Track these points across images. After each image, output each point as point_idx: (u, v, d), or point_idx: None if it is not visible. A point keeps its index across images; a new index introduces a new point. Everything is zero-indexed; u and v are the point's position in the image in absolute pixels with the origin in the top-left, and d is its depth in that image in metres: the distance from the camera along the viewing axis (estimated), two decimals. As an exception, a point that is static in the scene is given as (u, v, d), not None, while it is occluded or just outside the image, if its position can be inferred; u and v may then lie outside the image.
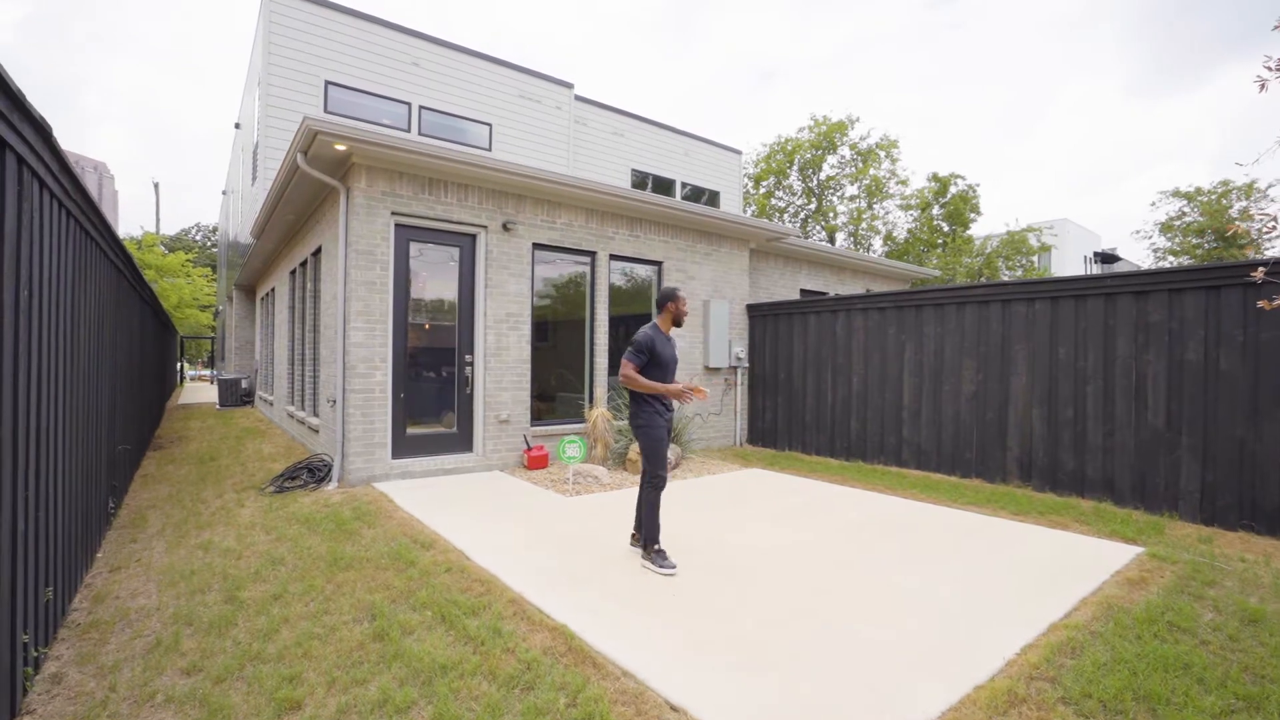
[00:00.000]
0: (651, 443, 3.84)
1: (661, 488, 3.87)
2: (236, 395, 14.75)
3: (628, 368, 3.84)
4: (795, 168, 29.07)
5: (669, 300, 4.03)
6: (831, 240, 28.48)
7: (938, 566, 3.83)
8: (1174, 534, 4.59)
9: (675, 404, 4.10)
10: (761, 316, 9.31)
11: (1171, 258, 26.52)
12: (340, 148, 5.68)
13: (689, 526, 4.70)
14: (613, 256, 7.99)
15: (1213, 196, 24.93)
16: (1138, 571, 3.66)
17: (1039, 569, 3.77)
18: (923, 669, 2.54)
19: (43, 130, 2.57)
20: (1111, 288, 5.69)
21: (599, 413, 7.09)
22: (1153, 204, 27.31)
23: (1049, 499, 5.70)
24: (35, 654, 2.60)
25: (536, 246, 7.30)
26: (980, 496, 5.78)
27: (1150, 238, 27.40)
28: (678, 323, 4.06)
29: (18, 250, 2.38)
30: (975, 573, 3.71)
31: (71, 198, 3.27)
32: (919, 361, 7.25)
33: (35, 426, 2.64)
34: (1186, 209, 25.89)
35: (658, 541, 3.81)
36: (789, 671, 2.52)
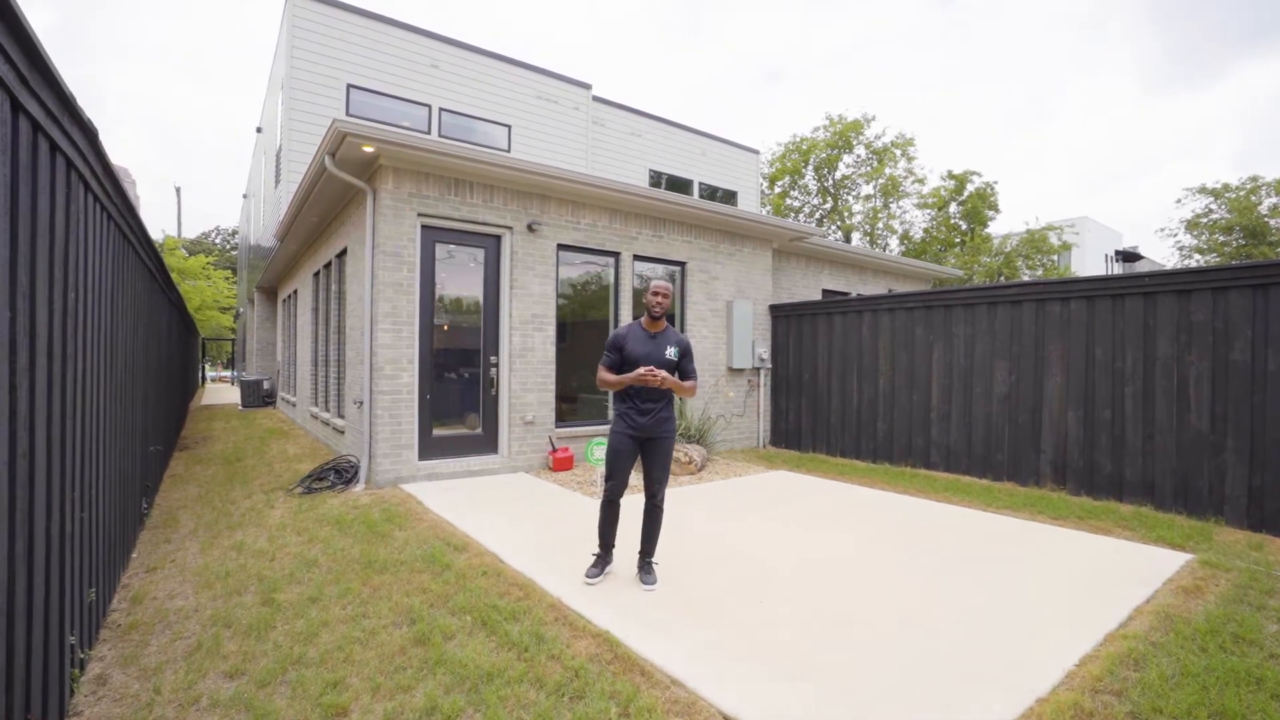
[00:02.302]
0: (609, 451, 3.61)
1: (609, 501, 3.57)
2: (258, 396, 14.91)
3: (599, 370, 3.64)
4: (810, 167, 28.88)
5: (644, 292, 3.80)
6: (847, 240, 28.27)
7: (981, 572, 3.74)
8: (1222, 540, 4.45)
9: (660, 408, 3.58)
10: (785, 317, 9.22)
11: (1198, 256, 26.00)
12: (368, 149, 5.69)
13: (721, 530, 4.65)
14: (636, 257, 7.95)
15: (1241, 193, 24.40)
16: (1191, 579, 3.54)
17: (1086, 576, 3.66)
18: (979, 680, 2.46)
19: (90, 133, 2.57)
20: (1151, 286, 5.54)
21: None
22: (1178, 201, 26.70)
23: (1086, 503, 5.56)
24: (81, 655, 2.60)
25: (561, 247, 7.28)
26: (1015, 500, 5.66)
27: (1175, 235, 26.90)
28: (652, 314, 3.61)
29: (65, 253, 2.38)
30: (1021, 579, 3.61)
31: (113, 200, 3.29)
32: (948, 362, 7.13)
33: (80, 427, 2.65)
34: (1214, 205, 25.36)
35: (600, 547, 3.65)
36: (841, 681, 2.45)
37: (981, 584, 3.54)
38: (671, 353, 3.58)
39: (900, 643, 2.78)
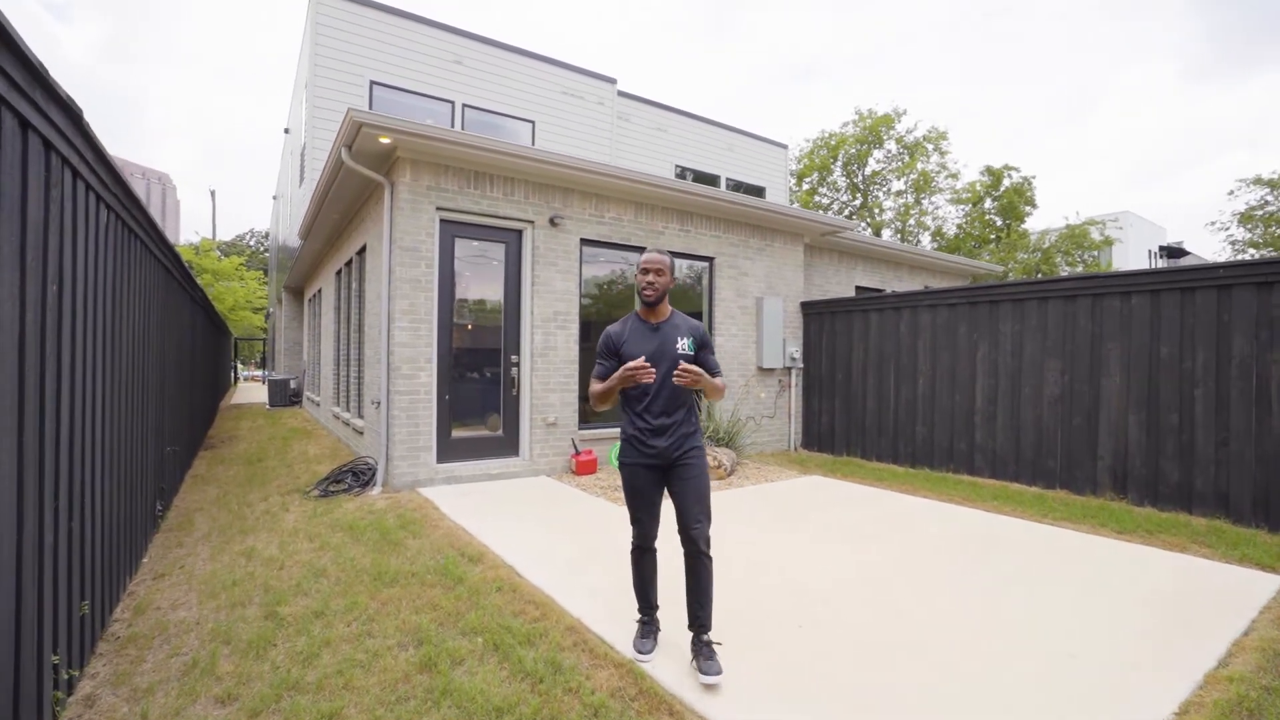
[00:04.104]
0: (625, 488, 2.72)
1: (639, 548, 2.72)
2: (285, 396, 15.01)
3: (591, 383, 2.74)
4: (839, 163, 28.21)
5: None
6: (877, 237, 27.55)
7: (1042, 594, 3.36)
8: (1318, 560, 3.98)
9: (680, 422, 2.66)
10: (817, 314, 8.83)
11: (1252, 250, 24.67)
12: (384, 140, 5.50)
13: (754, 542, 4.33)
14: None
15: (1301, 183, 23.05)
16: (1293, 608, 3.12)
17: (1167, 600, 3.26)
18: (1062, 730, 2.11)
19: (73, 113, 2.38)
20: (1226, 279, 5.06)
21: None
22: (1231, 193, 25.33)
23: (1152, 515, 5.10)
24: (67, 675, 2.42)
25: (584, 242, 7.03)
26: (1072, 511, 5.22)
27: (1227, 229, 25.57)
28: (645, 300, 2.68)
29: (44, 242, 2.19)
30: (1090, 603, 3.23)
31: (111, 191, 3.12)
32: (994, 361, 6.68)
33: (68, 431, 2.46)
34: (1270, 197, 24.02)
35: (640, 610, 2.77)
36: (899, 727, 2.13)
37: (1045, 608, 3.17)
38: (685, 345, 2.64)
39: (962, 679, 2.44)
